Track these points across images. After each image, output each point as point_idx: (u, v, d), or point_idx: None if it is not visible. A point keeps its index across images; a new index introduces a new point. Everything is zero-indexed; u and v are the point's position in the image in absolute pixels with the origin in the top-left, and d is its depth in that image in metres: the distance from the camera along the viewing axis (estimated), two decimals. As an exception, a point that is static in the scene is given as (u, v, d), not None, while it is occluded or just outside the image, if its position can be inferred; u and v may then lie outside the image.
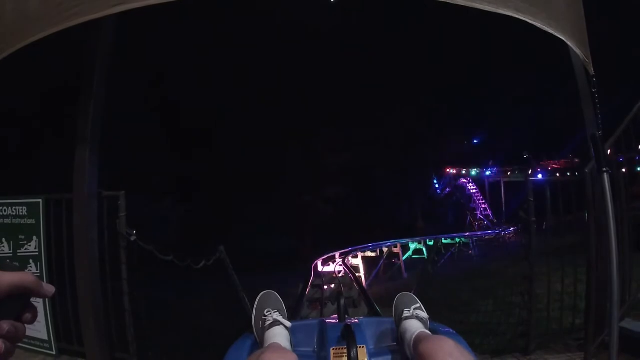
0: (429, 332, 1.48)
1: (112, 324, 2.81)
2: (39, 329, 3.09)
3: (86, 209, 2.68)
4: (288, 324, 1.58)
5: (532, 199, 2.87)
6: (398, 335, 1.60)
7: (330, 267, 16.78)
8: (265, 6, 29.21)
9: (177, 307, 10.20)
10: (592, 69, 2.81)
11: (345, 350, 1.43)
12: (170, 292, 11.03)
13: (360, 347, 1.49)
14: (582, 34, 2.70)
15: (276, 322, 1.56)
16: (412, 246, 22.95)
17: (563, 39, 2.53)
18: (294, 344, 1.54)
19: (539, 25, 2.37)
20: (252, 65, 31.42)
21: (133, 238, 2.85)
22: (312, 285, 9.97)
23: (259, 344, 1.57)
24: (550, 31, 2.42)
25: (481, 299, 8.84)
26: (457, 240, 24.26)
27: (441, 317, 1.90)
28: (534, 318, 2.91)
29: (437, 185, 39.59)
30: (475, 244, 23.97)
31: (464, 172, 37.71)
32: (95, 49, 2.81)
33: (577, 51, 2.67)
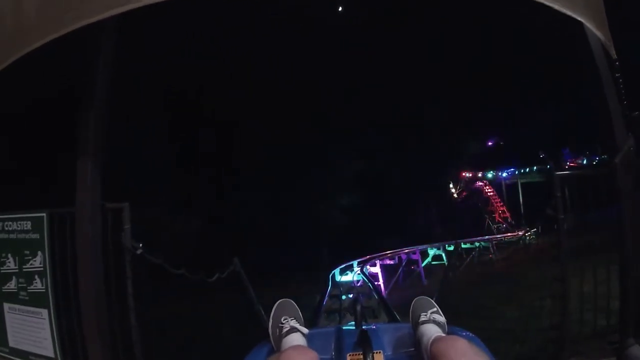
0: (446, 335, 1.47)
1: (117, 339, 2.70)
2: (45, 345, 3.01)
3: (89, 222, 2.60)
4: (305, 330, 1.59)
5: (559, 194, 2.66)
6: (415, 340, 1.59)
7: (348, 277, 16.55)
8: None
9: (190, 322, 10.13)
10: (614, 52, 2.63)
11: (362, 356, 1.41)
12: (184, 307, 10.97)
13: (376, 353, 1.49)
14: (601, 15, 2.53)
15: (293, 329, 1.57)
16: (431, 252, 22.57)
17: (581, 20, 2.37)
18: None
19: (555, 6, 2.22)
20: (266, 71, 31.50)
21: (139, 251, 2.75)
22: (330, 296, 9.74)
23: (275, 351, 1.57)
24: (567, 12, 2.27)
25: (504, 304, 8.59)
26: (477, 244, 23.84)
27: (463, 324, 1.80)
28: (566, 322, 2.68)
29: (453, 190, 39.16)
30: (494, 247, 23.54)
31: (480, 175, 37.25)
32: (97, 53, 2.75)
33: (597, 33, 2.51)
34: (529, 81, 34.40)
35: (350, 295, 9.53)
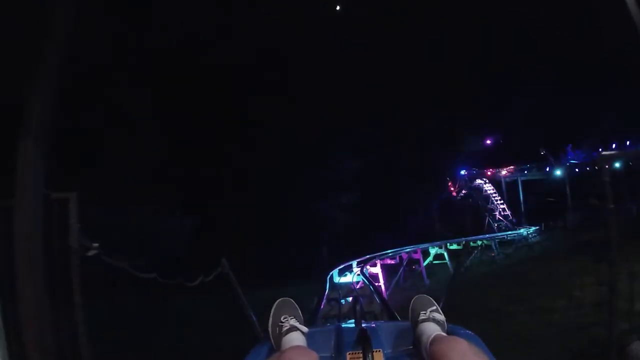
0: (446, 335, 1.47)
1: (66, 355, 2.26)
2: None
3: (30, 216, 2.15)
4: (305, 329, 1.60)
5: (608, 179, 2.14)
6: (415, 338, 1.59)
7: (348, 278, 15.96)
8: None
9: (187, 322, 9.78)
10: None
11: (361, 355, 1.43)
12: (183, 306, 10.57)
13: (376, 351, 1.49)
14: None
15: (293, 328, 1.58)
16: (433, 251, 22.08)
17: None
18: (311, 349, 1.48)
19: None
20: (262, 68, 31.22)
21: (92, 252, 2.29)
22: (328, 299, 9.21)
23: (275, 350, 1.57)
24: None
25: (513, 305, 8.26)
26: (479, 242, 23.46)
27: (466, 324, 1.73)
28: (614, 334, 2.19)
29: (452, 188, 38.77)
30: (497, 245, 23.18)
31: (480, 172, 36.93)
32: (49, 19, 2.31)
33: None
34: (528, 79, 34.30)
35: (350, 299, 9.06)
